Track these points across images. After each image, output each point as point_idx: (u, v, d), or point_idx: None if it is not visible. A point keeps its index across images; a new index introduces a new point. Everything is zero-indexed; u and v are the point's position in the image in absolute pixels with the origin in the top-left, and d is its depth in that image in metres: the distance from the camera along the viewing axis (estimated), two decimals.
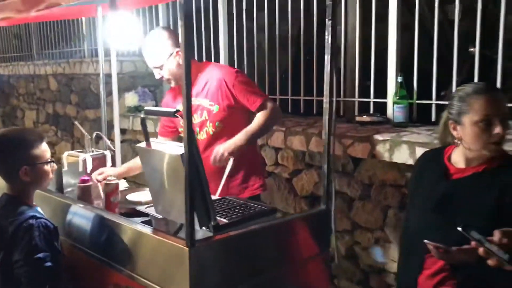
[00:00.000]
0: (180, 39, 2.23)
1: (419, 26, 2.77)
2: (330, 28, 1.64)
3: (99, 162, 2.52)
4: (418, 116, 2.83)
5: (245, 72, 3.74)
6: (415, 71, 2.79)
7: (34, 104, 6.15)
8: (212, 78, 2.30)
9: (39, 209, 1.79)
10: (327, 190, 1.70)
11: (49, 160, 1.81)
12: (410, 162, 2.44)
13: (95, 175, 2.32)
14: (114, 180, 1.93)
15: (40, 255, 1.59)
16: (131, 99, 4.24)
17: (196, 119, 2.34)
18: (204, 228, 1.49)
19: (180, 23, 1.31)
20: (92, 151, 2.55)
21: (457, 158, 1.67)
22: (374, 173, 2.70)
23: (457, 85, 2.47)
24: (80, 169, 2.45)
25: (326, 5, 1.69)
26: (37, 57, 6.14)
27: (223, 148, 2.12)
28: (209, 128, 2.32)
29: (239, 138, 2.16)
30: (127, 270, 1.57)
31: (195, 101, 2.34)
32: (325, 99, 1.70)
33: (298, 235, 1.67)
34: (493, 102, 1.54)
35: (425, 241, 1.44)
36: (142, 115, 1.55)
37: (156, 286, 1.46)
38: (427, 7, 3.10)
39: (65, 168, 2.50)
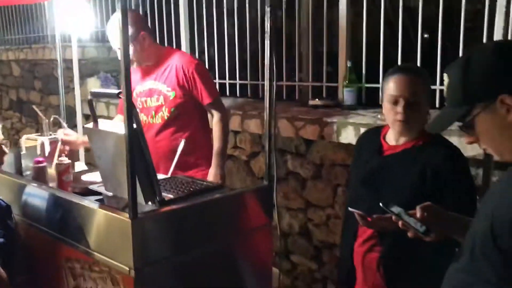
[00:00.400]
0: (111, 24, 2.32)
1: (373, 12, 2.90)
2: (269, 15, 1.74)
3: (57, 145, 2.57)
4: (367, 99, 2.98)
5: (205, 56, 3.82)
6: (364, 56, 2.93)
7: None
8: (172, 64, 2.38)
9: None
10: (269, 167, 1.82)
11: None
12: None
13: (60, 133, 2.42)
14: (65, 160, 2.01)
15: None
16: (94, 84, 4.28)
17: (153, 102, 2.43)
18: (150, 203, 1.59)
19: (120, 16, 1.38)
20: (50, 135, 2.60)
21: (390, 136, 1.81)
22: (324, 154, 2.85)
23: None
24: (38, 152, 2.50)
25: None
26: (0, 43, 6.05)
27: (214, 179, 2.32)
28: (165, 113, 2.40)
29: (217, 163, 2.36)
30: (79, 244, 1.66)
31: (153, 85, 2.42)
32: (266, 83, 1.81)
33: (242, 208, 1.79)
34: (400, 83, 1.65)
35: (350, 209, 1.58)
36: (89, 96, 1.63)
37: (105, 257, 1.56)
38: None
39: (24, 151, 2.55)
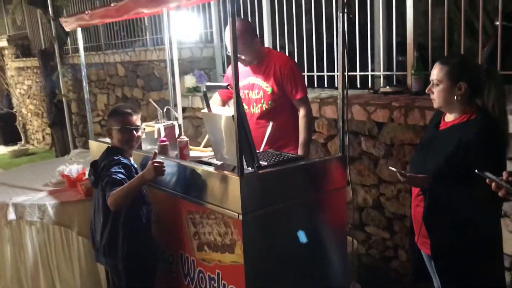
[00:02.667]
0: (228, 32, 2.81)
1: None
2: (342, 19, 2.16)
3: (170, 130, 3.18)
4: None
5: (286, 51, 4.28)
6: (429, 46, 3.23)
7: (105, 89, 6.99)
8: (271, 63, 2.85)
9: (131, 160, 2.46)
10: (343, 141, 2.25)
11: (135, 127, 2.47)
12: (422, 123, 2.92)
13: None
14: (184, 138, 2.58)
15: (115, 168, 2.25)
16: (190, 81, 4.89)
17: (254, 95, 2.91)
18: (250, 168, 2.09)
19: (229, 20, 1.88)
20: (164, 122, 3.21)
21: (446, 114, 2.15)
22: (394, 135, 3.20)
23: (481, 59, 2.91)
24: (156, 136, 3.12)
25: None
26: (105, 47, 6.95)
27: None
28: (263, 105, 2.89)
29: (303, 152, 2.75)
30: (199, 200, 2.21)
31: (255, 81, 2.91)
32: (339, 73, 2.23)
33: (320, 174, 2.24)
34: (433, 69, 2.05)
35: (390, 167, 1.97)
36: (204, 89, 2.15)
37: (219, 207, 2.09)
38: None
39: (143, 136, 3.18)
